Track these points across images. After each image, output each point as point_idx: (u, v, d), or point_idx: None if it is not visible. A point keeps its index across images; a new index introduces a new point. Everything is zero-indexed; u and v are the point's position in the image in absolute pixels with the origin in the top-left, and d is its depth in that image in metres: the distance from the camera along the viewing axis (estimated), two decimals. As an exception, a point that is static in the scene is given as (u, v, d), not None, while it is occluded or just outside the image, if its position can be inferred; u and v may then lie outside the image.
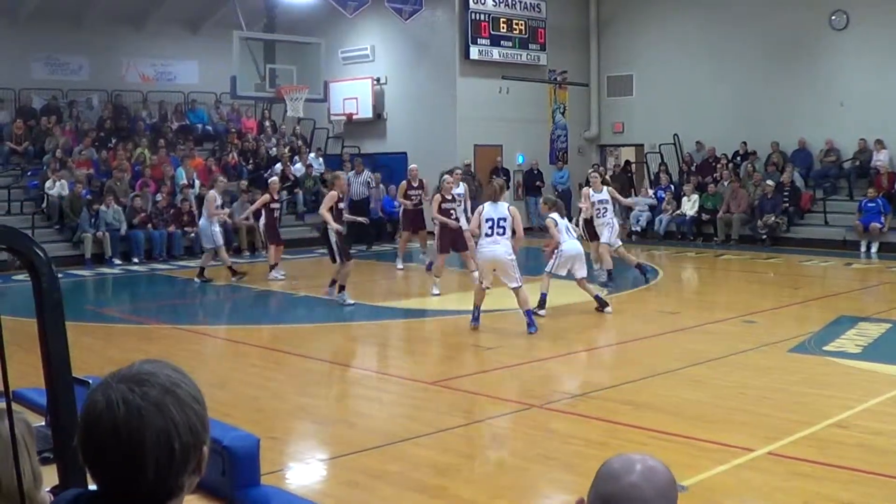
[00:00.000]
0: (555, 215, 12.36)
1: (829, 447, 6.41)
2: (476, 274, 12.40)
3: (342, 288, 13.14)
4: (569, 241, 12.32)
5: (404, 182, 17.37)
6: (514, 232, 11.01)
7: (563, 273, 12.30)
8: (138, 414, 1.52)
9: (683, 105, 24.42)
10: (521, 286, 10.83)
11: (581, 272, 12.26)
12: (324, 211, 13.06)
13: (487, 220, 10.75)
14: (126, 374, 1.58)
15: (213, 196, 16.52)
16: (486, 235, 10.77)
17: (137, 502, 1.55)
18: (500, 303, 12.54)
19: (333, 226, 12.85)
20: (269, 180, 17.80)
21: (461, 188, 16.16)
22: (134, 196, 20.23)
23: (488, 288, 11.12)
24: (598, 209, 14.52)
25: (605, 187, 14.86)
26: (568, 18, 26.30)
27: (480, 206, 11.14)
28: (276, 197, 16.87)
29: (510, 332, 11.75)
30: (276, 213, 16.86)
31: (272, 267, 16.45)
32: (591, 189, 14.63)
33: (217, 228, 16.39)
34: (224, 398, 8.04)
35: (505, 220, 10.76)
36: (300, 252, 20.53)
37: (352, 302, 13.05)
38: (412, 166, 17.50)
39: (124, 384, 1.55)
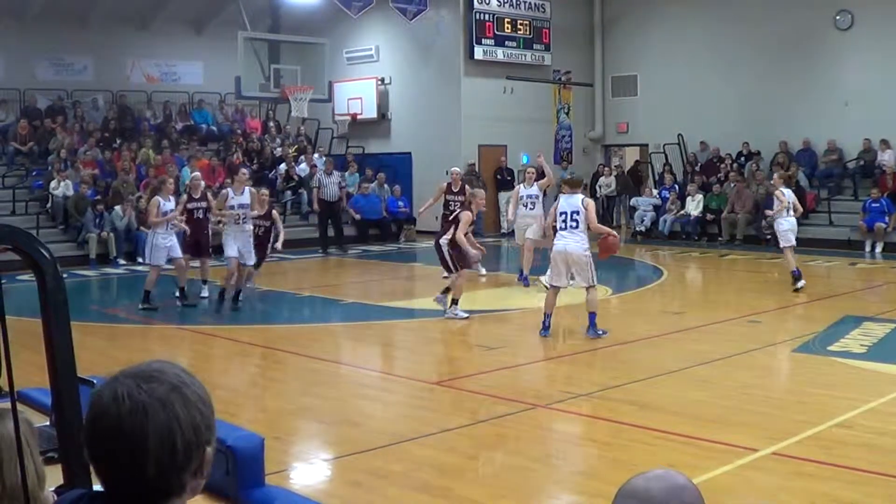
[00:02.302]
0: (784, 189, 14.40)
1: (834, 447, 6.40)
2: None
3: (455, 301, 11.99)
4: (788, 217, 14.07)
5: (444, 184, 15.67)
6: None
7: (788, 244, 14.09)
8: (143, 409, 1.53)
9: (688, 105, 24.39)
10: (593, 286, 10.49)
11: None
12: (460, 235, 11.74)
13: (561, 214, 10.47)
14: (135, 371, 1.59)
15: (156, 202, 13.22)
16: (560, 229, 10.44)
17: (138, 500, 1.56)
18: (502, 303, 12.55)
19: (471, 253, 11.80)
20: (192, 175, 15.26)
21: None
22: (139, 197, 20.24)
23: (563, 287, 10.71)
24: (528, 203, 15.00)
25: (535, 183, 15.15)
26: (572, 18, 26.29)
27: (556, 201, 10.93)
28: (195, 196, 13.77)
29: (514, 332, 11.76)
30: (200, 215, 13.72)
31: (181, 289, 13.71)
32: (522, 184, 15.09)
33: (161, 241, 13.12)
34: (228, 398, 8.05)
35: (578, 213, 10.34)
36: (304, 252, 20.54)
37: (466, 315, 11.91)
38: (454, 169, 16.06)
39: (131, 380, 1.57)
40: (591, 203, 10.71)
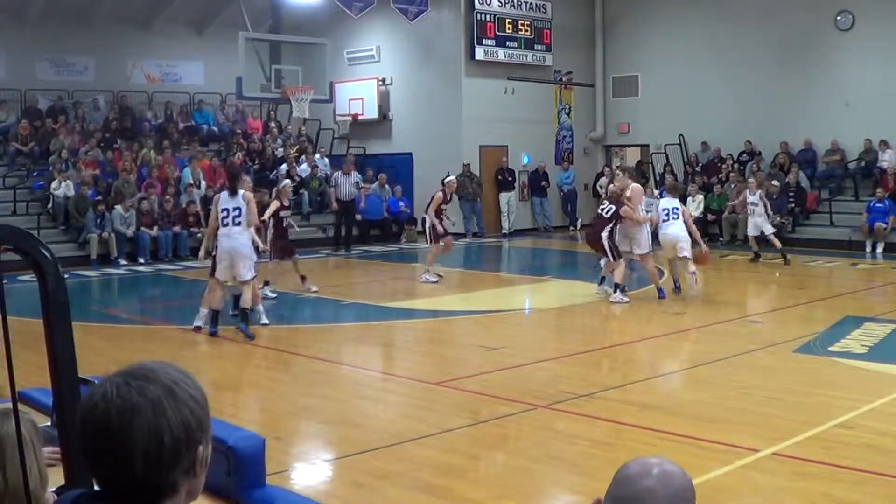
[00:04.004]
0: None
1: (835, 448, 6.40)
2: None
3: (621, 288, 13.18)
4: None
5: (440, 194, 15.68)
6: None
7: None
8: (131, 407, 1.54)
9: (689, 105, 24.39)
10: (690, 258, 13.40)
11: None
12: (637, 217, 13.47)
13: (664, 210, 13.73)
14: (128, 370, 1.61)
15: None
16: (664, 221, 13.61)
17: (132, 499, 1.56)
18: (502, 303, 12.55)
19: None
20: (282, 184, 15.09)
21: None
22: (141, 198, 20.25)
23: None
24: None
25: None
26: (573, 19, 26.29)
27: (657, 201, 14.46)
28: (285, 203, 14.25)
29: (514, 332, 11.76)
30: (286, 223, 14.30)
31: (266, 283, 13.91)
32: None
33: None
34: (229, 399, 8.06)
35: (677, 209, 13.74)
36: (306, 252, 20.53)
37: (627, 299, 13.18)
38: (451, 178, 16.19)
39: (123, 378, 1.58)
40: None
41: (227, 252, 10.93)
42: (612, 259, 13.26)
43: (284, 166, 23.52)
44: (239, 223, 10.91)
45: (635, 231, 13.48)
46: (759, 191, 18.42)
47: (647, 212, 14.68)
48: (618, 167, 15.52)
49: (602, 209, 13.61)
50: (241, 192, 11.05)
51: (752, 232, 18.25)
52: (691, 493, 1.71)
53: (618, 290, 13.10)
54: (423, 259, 15.99)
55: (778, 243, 17.73)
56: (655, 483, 1.68)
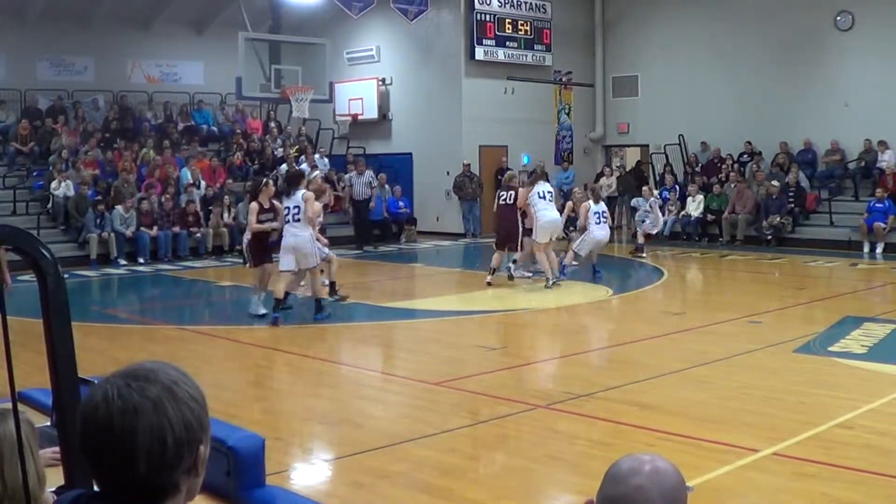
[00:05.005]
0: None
1: (835, 448, 6.40)
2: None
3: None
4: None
5: (522, 191, 15.58)
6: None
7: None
8: (133, 408, 1.54)
9: (688, 106, 24.40)
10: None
11: None
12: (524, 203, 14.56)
13: (595, 213, 15.50)
14: (127, 370, 1.61)
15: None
16: (596, 223, 15.46)
17: (133, 500, 1.56)
18: (503, 304, 12.53)
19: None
20: (312, 177, 14.83)
21: None
22: (141, 199, 20.25)
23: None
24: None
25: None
26: (573, 19, 26.30)
27: (587, 204, 15.79)
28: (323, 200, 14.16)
29: (514, 332, 11.76)
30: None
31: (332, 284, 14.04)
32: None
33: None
34: (229, 399, 8.05)
35: (605, 212, 15.88)
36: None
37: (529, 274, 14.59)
38: (512, 171, 16.68)
39: (122, 380, 1.58)
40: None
41: (291, 247, 11.83)
42: (520, 248, 14.79)
43: (284, 166, 23.52)
44: (298, 220, 11.82)
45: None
46: (652, 198, 20.39)
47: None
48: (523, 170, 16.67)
49: (502, 197, 14.99)
50: (300, 191, 11.91)
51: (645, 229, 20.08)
52: (683, 492, 1.70)
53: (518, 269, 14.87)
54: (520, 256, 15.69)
55: (641, 239, 19.88)
56: (647, 481, 1.67)
